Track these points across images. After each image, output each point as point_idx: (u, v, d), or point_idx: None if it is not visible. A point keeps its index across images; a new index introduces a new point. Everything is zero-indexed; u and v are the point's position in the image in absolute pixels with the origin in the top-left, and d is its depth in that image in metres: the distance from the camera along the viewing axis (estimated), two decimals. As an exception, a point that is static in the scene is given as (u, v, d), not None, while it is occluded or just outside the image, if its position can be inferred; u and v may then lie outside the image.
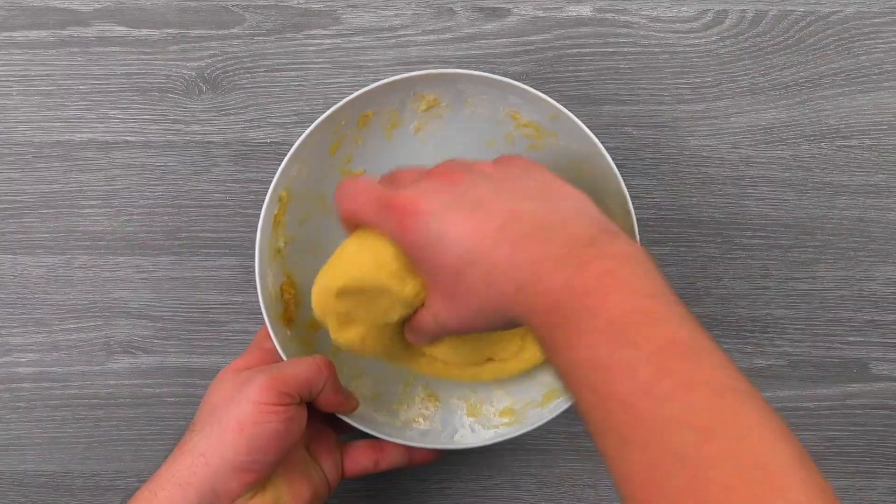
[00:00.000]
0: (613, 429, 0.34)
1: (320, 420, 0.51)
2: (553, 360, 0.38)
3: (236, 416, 0.45)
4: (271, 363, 0.50)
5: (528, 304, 0.38)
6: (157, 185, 0.59)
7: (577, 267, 0.37)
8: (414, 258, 0.42)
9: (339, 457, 0.52)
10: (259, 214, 0.58)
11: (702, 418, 0.32)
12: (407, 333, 0.47)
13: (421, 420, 0.56)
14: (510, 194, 0.40)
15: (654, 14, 0.58)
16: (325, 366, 0.48)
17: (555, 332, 0.37)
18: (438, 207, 0.40)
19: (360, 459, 0.52)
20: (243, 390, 0.46)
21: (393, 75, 0.57)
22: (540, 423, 0.51)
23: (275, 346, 0.50)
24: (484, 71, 0.57)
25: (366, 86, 0.57)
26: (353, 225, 0.45)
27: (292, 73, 0.58)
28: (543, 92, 0.49)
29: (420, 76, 0.50)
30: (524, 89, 0.49)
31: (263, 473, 0.46)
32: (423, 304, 0.44)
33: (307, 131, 0.49)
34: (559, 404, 0.52)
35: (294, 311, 0.54)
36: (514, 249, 0.38)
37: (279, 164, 0.58)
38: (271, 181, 0.57)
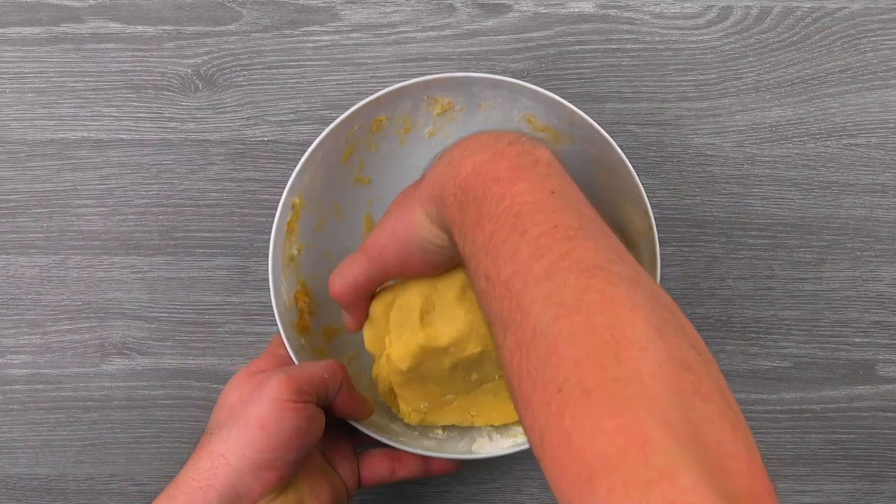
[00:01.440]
0: (497, 315, 0.35)
1: (336, 428, 0.52)
2: (461, 250, 0.39)
3: (257, 414, 0.45)
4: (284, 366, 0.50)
5: (445, 195, 0.40)
6: (153, 184, 0.58)
7: (492, 156, 0.39)
8: None
9: (355, 465, 0.52)
10: (257, 214, 0.58)
11: (566, 296, 0.33)
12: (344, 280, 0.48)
13: (439, 430, 0.56)
14: None
15: (658, 10, 0.57)
16: (339, 368, 0.49)
17: (463, 215, 0.38)
18: None
19: (376, 468, 0.53)
20: (262, 389, 0.46)
21: (391, 73, 0.58)
22: None
23: (289, 354, 0.50)
24: (484, 69, 0.57)
25: (365, 83, 0.56)
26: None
27: (290, 70, 0.57)
28: (545, 90, 0.48)
29: (434, 80, 0.49)
30: (540, 92, 0.48)
31: (285, 473, 0.46)
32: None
33: (320, 136, 0.49)
34: None
35: (308, 319, 0.54)
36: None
37: (276, 163, 0.58)
38: (268, 180, 0.58)
